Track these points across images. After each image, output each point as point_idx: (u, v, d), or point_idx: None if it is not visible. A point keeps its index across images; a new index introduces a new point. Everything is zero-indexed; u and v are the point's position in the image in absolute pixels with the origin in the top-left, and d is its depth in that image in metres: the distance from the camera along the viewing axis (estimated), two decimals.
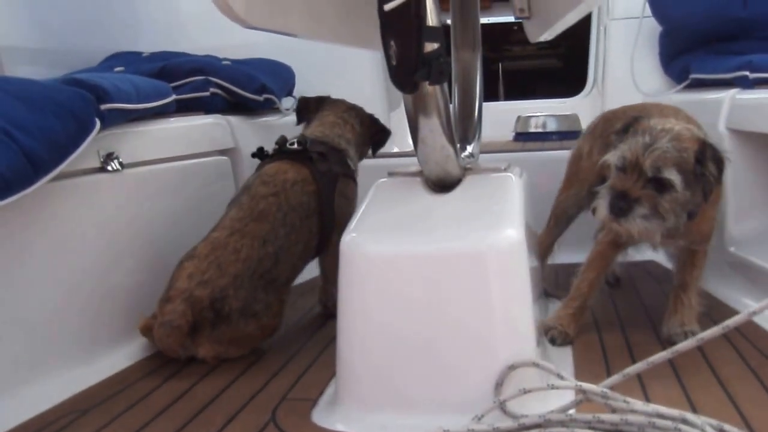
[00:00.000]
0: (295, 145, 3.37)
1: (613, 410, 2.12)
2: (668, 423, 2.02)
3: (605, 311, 3.42)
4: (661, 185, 2.63)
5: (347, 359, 2.47)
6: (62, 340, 2.88)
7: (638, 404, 2.10)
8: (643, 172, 2.63)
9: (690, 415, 2.02)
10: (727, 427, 2.01)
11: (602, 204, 2.70)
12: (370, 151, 3.89)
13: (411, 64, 2.23)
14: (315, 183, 3.26)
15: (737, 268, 3.48)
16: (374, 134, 3.81)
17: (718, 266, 3.52)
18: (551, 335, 3.05)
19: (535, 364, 2.30)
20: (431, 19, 2.25)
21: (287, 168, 3.27)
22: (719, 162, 2.69)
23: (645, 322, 3.24)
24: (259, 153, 3.44)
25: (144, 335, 3.04)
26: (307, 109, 3.79)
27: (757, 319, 3.00)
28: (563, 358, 2.86)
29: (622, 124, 3.04)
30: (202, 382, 2.85)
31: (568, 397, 2.24)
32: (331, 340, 2.53)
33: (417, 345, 2.37)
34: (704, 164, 2.66)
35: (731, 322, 1.98)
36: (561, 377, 2.27)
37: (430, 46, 2.25)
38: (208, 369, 2.97)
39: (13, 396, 2.62)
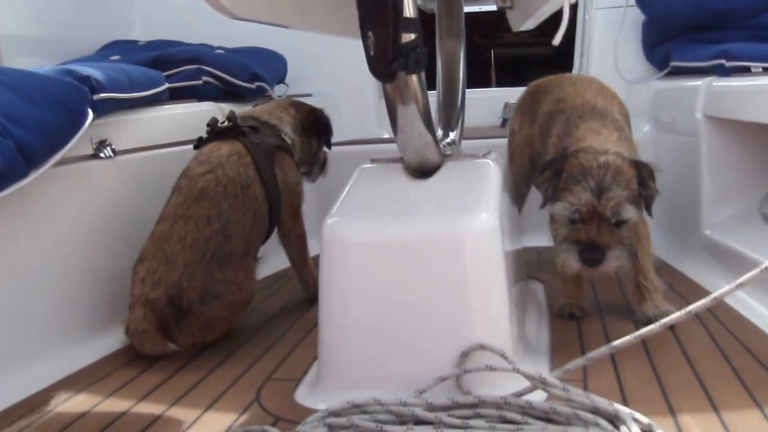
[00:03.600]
0: (226, 123, 3.38)
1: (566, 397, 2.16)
2: (590, 417, 2.07)
3: None
4: (619, 222, 2.71)
5: (328, 341, 2.52)
6: (56, 323, 2.95)
7: (577, 393, 2.15)
8: (605, 218, 2.68)
9: (622, 412, 2.07)
10: (654, 427, 2.06)
11: (571, 258, 2.75)
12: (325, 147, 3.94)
13: (388, 54, 2.27)
14: (250, 154, 3.25)
15: (712, 251, 3.53)
16: (314, 124, 3.79)
17: (693, 249, 3.59)
18: (569, 312, 3.16)
19: (482, 347, 2.34)
20: (408, 10, 2.30)
21: (220, 145, 3.26)
22: (653, 174, 2.80)
23: (622, 306, 3.30)
24: (198, 142, 3.42)
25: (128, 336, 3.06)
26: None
27: (728, 300, 3.06)
28: (541, 341, 2.93)
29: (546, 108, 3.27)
30: (190, 364, 2.92)
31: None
32: (315, 323, 2.58)
33: (395, 326, 2.43)
34: (646, 185, 2.77)
35: (693, 307, 2.05)
36: (504, 358, 2.32)
37: (407, 37, 2.29)
38: (196, 352, 3.04)
39: (9, 376, 2.68)
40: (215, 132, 3.37)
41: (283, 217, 3.47)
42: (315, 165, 3.89)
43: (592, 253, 2.69)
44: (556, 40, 2.34)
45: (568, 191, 2.73)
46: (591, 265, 2.71)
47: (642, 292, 3.06)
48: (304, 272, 3.68)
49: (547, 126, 3.26)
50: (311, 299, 3.63)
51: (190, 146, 3.37)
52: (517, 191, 3.66)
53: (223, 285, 3.04)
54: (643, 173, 2.77)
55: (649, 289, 3.06)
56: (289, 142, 3.53)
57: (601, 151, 2.76)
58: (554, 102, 3.31)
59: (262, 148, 3.30)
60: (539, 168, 2.96)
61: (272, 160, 3.33)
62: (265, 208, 3.27)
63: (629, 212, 2.70)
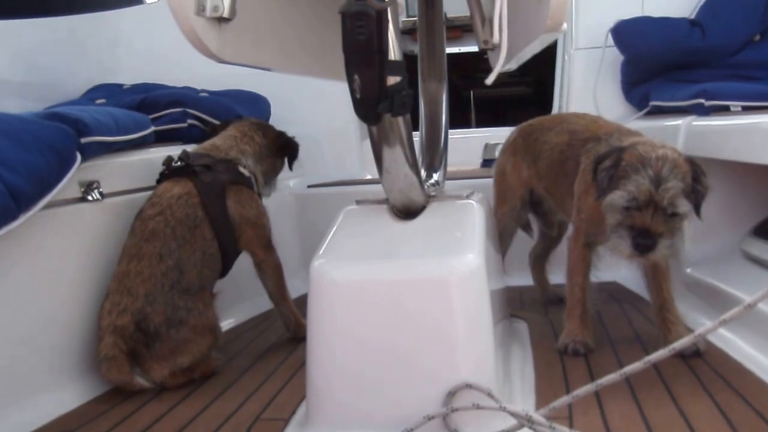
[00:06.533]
0: (179, 163, 3.41)
1: None
2: None
3: None
4: (673, 213, 2.78)
5: (316, 380, 2.52)
6: (45, 365, 2.96)
7: (564, 431, 2.19)
8: (660, 207, 2.75)
9: None
10: None
11: (624, 244, 2.80)
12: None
13: (374, 97, 2.29)
14: (199, 194, 3.30)
15: (693, 288, 3.56)
16: (281, 147, 3.85)
17: (675, 287, 3.60)
18: (572, 349, 3.18)
19: (469, 385, 2.36)
20: (394, 53, 2.34)
21: (172, 186, 3.32)
22: (704, 173, 2.88)
23: (606, 342, 3.32)
24: (160, 177, 3.45)
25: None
26: (215, 131, 3.84)
27: (711, 337, 3.10)
28: (526, 379, 2.94)
29: (554, 138, 3.39)
30: (180, 404, 2.93)
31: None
32: (303, 362, 2.59)
33: (382, 366, 2.44)
34: (700, 182, 2.85)
35: (677, 344, 2.07)
36: (491, 397, 2.34)
37: (393, 80, 2.31)
38: (186, 392, 3.05)
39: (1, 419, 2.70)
40: (171, 171, 3.41)
41: (253, 249, 3.53)
42: (272, 185, 3.93)
43: (644, 239, 2.76)
44: (489, 80, 2.39)
45: (626, 179, 2.80)
46: (642, 251, 2.78)
47: (668, 325, 3.14)
48: (284, 308, 3.70)
49: (564, 156, 3.38)
50: (296, 338, 3.66)
51: None
52: (506, 230, 3.73)
53: (184, 311, 3.12)
54: (698, 170, 2.86)
55: (673, 321, 3.13)
56: (248, 175, 3.55)
57: (658, 145, 2.87)
58: (567, 134, 3.41)
59: (212, 187, 3.35)
60: (594, 158, 3.02)
61: (223, 198, 3.37)
62: (215, 247, 3.32)
63: (684, 205, 2.78)
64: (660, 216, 2.76)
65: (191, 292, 3.17)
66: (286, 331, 3.75)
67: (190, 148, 3.55)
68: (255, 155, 3.65)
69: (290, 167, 3.98)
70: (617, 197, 2.81)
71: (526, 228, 4.04)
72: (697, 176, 2.85)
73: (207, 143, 3.65)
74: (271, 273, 3.64)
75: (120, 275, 3.13)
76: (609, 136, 3.19)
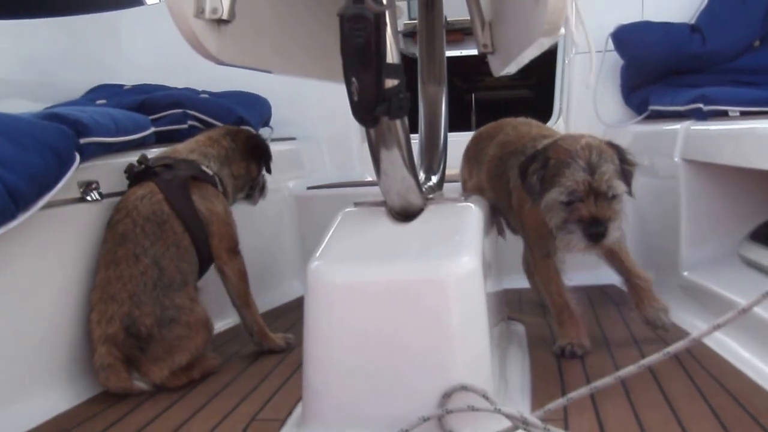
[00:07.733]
0: (141, 167, 3.40)
1: None
2: None
3: None
4: (613, 196, 2.84)
5: (313, 381, 2.52)
6: (41, 365, 2.97)
7: None
8: (600, 193, 2.81)
9: None
10: None
11: (576, 237, 2.86)
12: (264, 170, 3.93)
13: (371, 99, 2.29)
14: (161, 191, 3.28)
15: (690, 292, 3.56)
16: (252, 149, 3.80)
17: (672, 290, 3.62)
18: (570, 351, 3.18)
19: (464, 387, 2.35)
20: (392, 56, 2.34)
21: (136, 189, 3.30)
22: (628, 153, 2.99)
23: (602, 344, 3.33)
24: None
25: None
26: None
27: (706, 340, 3.10)
28: (522, 381, 2.94)
29: (496, 145, 3.44)
30: (176, 404, 2.93)
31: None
32: (299, 363, 2.59)
33: (378, 367, 2.43)
34: (626, 162, 2.94)
35: (672, 348, 2.07)
36: (486, 399, 2.33)
37: (390, 82, 2.31)
38: (182, 393, 3.05)
39: None
40: (134, 177, 3.40)
41: (217, 252, 3.46)
42: (255, 189, 3.90)
43: (596, 228, 2.82)
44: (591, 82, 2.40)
45: (560, 176, 2.86)
46: (596, 240, 2.85)
47: (639, 293, 3.21)
48: (248, 315, 3.58)
49: (498, 170, 3.41)
50: (262, 350, 3.59)
51: None
52: None
53: (173, 310, 3.12)
54: (621, 150, 2.96)
55: (643, 288, 3.20)
56: (210, 173, 3.51)
57: (578, 137, 2.94)
58: (498, 146, 3.45)
59: (174, 183, 3.33)
60: (519, 166, 3.07)
61: (187, 192, 3.35)
62: (187, 240, 3.30)
63: (620, 186, 2.86)
64: (603, 201, 2.83)
65: (174, 288, 3.16)
66: (250, 341, 3.64)
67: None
68: (219, 158, 3.62)
69: (268, 170, 3.94)
70: (556, 195, 2.87)
71: (500, 232, 4.05)
72: (622, 157, 2.94)
73: (169, 147, 3.65)
74: (234, 278, 3.52)
75: (101, 284, 3.13)
76: (524, 148, 3.23)
